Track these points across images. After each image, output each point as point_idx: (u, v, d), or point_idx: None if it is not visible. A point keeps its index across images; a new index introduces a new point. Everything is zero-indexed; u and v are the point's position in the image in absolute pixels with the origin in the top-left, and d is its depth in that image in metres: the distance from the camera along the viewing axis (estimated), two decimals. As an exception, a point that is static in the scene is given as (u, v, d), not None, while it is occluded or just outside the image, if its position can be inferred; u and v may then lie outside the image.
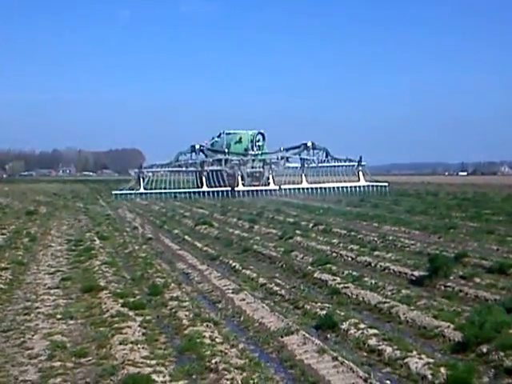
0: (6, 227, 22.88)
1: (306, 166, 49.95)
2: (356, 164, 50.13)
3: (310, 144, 50.19)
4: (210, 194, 45.45)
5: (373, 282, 11.84)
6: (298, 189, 47.49)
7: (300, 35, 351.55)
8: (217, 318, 9.51)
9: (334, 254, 15.73)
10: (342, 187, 47.52)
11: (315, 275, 12.89)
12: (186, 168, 48.99)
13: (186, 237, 20.52)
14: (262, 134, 51.31)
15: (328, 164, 50.35)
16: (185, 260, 15.84)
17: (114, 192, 46.97)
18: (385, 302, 10.12)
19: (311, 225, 22.59)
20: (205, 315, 9.51)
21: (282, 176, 49.43)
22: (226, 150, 49.65)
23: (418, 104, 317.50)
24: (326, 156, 50.56)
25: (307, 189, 47.36)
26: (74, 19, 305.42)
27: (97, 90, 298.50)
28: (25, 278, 13.19)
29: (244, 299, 10.78)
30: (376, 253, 15.45)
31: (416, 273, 12.50)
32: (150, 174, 48.57)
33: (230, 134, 52.65)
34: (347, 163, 50.46)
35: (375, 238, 18.09)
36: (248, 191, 46.07)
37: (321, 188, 47.22)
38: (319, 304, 10.29)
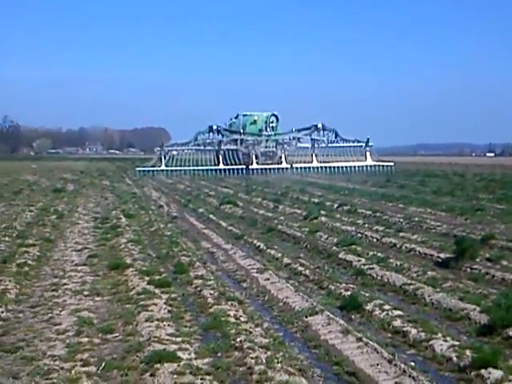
0: (33, 204, 23.20)
1: (316, 146, 53.07)
2: (364, 144, 53.14)
3: (320, 125, 53.36)
4: (226, 171, 48.49)
5: (398, 263, 11.78)
6: (309, 168, 50.61)
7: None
8: (241, 297, 9.55)
9: (359, 235, 15.67)
10: (350, 166, 50.66)
11: (340, 256, 12.86)
12: (203, 147, 52.42)
13: (211, 216, 20.58)
14: (276, 116, 54.75)
15: (337, 144, 53.53)
16: (210, 239, 15.91)
17: (137, 169, 50.26)
18: (410, 284, 10.07)
19: (336, 205, 22.51)
20: (229, 294, 9.56)
21: (294, 155, 52.85)
22: (242, 131, 52.84)
23: (445, 84, 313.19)
24: (336, 137, 53.59)
25: (317, 168, 50.64)
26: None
27: (123, 68, 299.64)
28: (52, 254, 13.37)
29: (268, 279, 10.81)
30: (401, 234, 15.36)
31: (442, 255, 12.41)
32: (175, 152, 51.90)
33: (246, 115, 55.85)
34: (355, 144, 53.48)
35: (401, 220, 17.97)
36: (262, 169, 48.96)
37: (330, 167, 50.38)
38: (344, 285, 10.28)
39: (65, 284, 10.44)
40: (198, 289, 9.93)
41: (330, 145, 53.63)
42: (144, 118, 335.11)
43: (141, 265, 11.71)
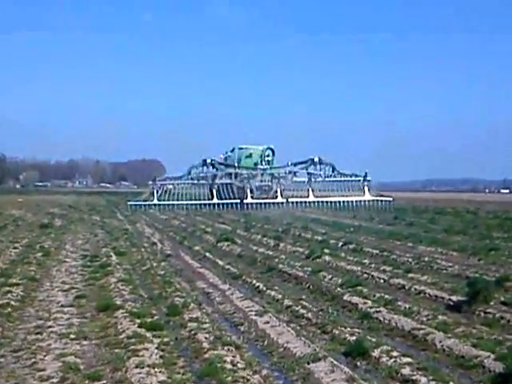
0: (18, 241, 23.17)
1: (312, 180, 55.33)
2: (361, 179, 55.23)
3: (316, 159, 55.75)
4: (220, 205, 50.58)
5: (407, 306, 11.72)
6: (305, 202, 52.52)
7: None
8: (239, 342, 9.49)
9: (365, 276, 15.62)
10: (348, 201, 52.14)
11: (345, 298, 12.81)
12: (197, 181, 55.19)
13: (207, 254, 20.56)
14: (272, 150, 57.71)
15: (334, 179, 55.93)
16: (205, 279, 15.86)
17: (129, 203, 52.31)
18: (420, 329, 10.01)
19: (341, 243, 22.49)
20: (226, 338, 9.50)
21: (290, 190, 55.44)
22: (237, 164, 55.85)
23: (458, 117, 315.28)
24: (333, 171, 56.03)
25: (313, 202, 52.41)
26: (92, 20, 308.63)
27: (117, 98, 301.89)
28: (37, 294, 13.31)
29: (268, 322, 10.75)
30: (410, 275, 15.31)
31: (454, 297, 12.35)
32: (170, 186, 54.64)
33: (242, 148, 58.86)
34: (353, 178, 55.81)
35: (410, 259, 17.93)
36: (256, 203, 50.82)
37: (327, 202, 52.04)
38: (349, 329, 10.22)
39: (50, 327, 10.38)
40: (193, 332, 9.87)
41: (326, 179, 55.62)
42: (138, 149, 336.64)
43: (131, 306, 11.66)
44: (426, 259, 17.79)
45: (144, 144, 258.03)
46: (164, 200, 52.24)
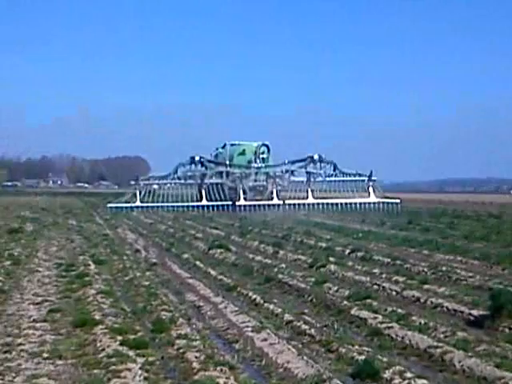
0: (-16, 248, 23.11)
1: (312, 180, 55.80)
2: (366, 179, 55.62)
3: (316, 157, 56.11)
4: (210, 207, 51.04)
5: (422, 321, 11.74)
6: (304, 204, 52.92)
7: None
8: (233, 362, 9.48)
9: (376, 287, 15.65)
10: (351, 203, 52.92)
11: (352, 312, 12.81)
12: (184, 180, 55.34)
13: (198, 262, 20.56)
14: (267, 146, 57.71)
15: (336, 178, 56.21)
16: (196, 290, 15.86)
17: (108, 205, 52.37)
18: (436, 347, 10.01)
19: (348, 251, 22.52)
20: (219, 358, 9.49)
21: (287, 191, 55.81)
22: (228, 162, 56.16)
23: (477, 112, 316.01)
24: (334, 170, 56.32)
25: (313, 204, 52.84)
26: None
27: (94, 88, 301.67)
28: (5, 308, 13.27)
29: (266, 339, 10.74)
30: (426, 286, 15.34)
31: (474, 312, 12.37)
32: (156, 186, 55.04)
33: (234, 145, 59.42)
34: (357, 178, 56.10)
35: (425, 269, 17.96)
36: (250, 206, 50.94)
37: (328, 204, 52.72)
38: (357, 347, 10.22)
39: (20, 344, 10.34)
40: (181, 351, 9.86)
41: (327, 179, 56.05)
42: (119, 146, 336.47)
43: (112, 321, 11.64)
44: (444, 269, 17.81)
45: (126, 139, 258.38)
46: (148, 202, 52.52)
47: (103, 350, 9.84)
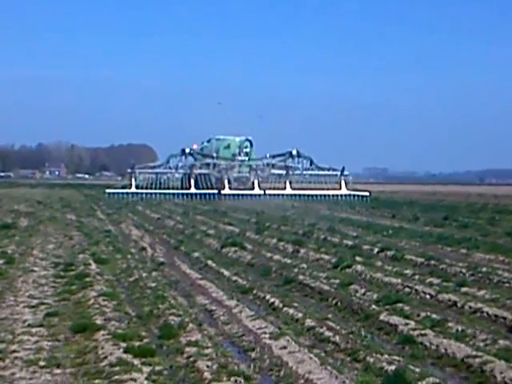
0: (-25, 245, 23.25)
1: (290, 173, 68.84)
2: (339, 173, 68.49)
3: (295, 152, 69.64)
4: (198, 195, 62.42)
5: (459, 328, 11.72)
6: (282, 195, 64.97)
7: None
8: (249, 372, 9.51)
9: (407, 290, 15.61)
10: (324, 195, 64.40)
11: (381, 317, 12.80)
12: (175, 170, 68.72)
13: (210, 262, 20.56)
14: (250, 141, 72.04)
15: (312, 172, 69.68)
16: (207, 293, 15.88)
17: (107, 190, 64.15)
18: (475, 356, 9.99)
19: (376, 249, 22.46)
20: (233, 367, 9.52)
21: (267, 182, 68.23)
22: (215, 155, 69.39)
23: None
24: (311, 164, 69.77)
25: (290, 195, 64.85)
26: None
27: (96, 68, 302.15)
28: (-2, 311, 13.36)
29: (285, 347, 10.75)
30: (464, 289, 15.30)
31: (518, 317, 12.33)
32: (153, 175, 66.77)
33: (219, 139, 73.31)
34: (330, 172, 69.33)
35: (463, 270, 17.90)
36: (234, 195, 63.01)
37: (303, 195, 64.04)
38: (386, 356, 10.20)
39: (14, 351, 10.40)
40: (191, 359, 9.89)
41: (304, 172, 69.46)
42: (123, 133, 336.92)
43: (115, 327, 11.69)
44: (484, 270, 17.73)
45: (130, 126, 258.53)
46: (142, 188, 63.52)
47: (105, 358, 9.88)
